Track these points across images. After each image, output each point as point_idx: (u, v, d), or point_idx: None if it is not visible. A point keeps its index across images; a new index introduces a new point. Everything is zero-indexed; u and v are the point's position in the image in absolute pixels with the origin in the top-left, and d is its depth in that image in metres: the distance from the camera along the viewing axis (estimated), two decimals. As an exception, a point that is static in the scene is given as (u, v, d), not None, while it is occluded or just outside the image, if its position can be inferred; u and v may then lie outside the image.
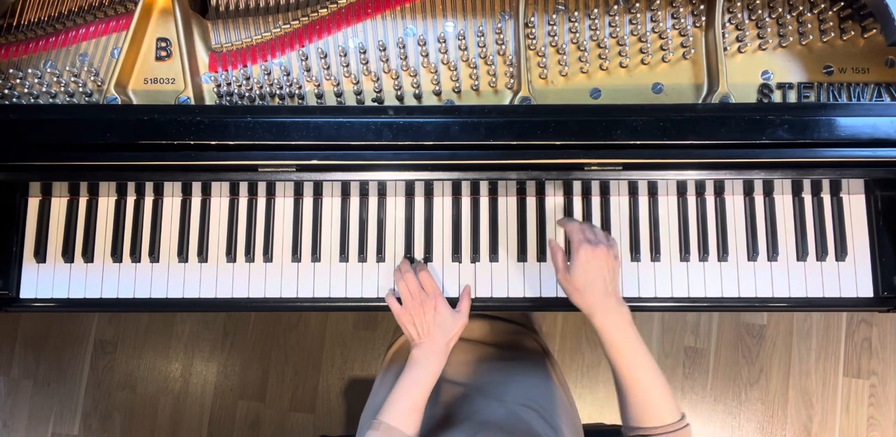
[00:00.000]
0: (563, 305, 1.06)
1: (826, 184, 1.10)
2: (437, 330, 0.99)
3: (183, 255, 1.12)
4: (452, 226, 1.12)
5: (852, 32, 1.07)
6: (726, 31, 1.07)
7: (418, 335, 0.99)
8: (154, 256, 1.12)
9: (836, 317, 2.00)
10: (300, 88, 1.09)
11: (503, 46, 1.08)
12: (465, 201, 1.13)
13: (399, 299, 1.04)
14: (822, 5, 1.07)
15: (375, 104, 1.09)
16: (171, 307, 1.13)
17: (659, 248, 1.11)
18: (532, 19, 1.07)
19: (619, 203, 1.12)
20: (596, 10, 1.08)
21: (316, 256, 1.12)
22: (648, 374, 0.88)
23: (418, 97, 1.09)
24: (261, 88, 1.08)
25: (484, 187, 1.11)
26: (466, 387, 1.13)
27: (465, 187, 1.11)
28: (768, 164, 1.00)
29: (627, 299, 1.10)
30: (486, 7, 1.10)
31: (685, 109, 0.97)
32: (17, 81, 1.06)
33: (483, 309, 1.13)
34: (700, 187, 1.11)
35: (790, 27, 1.08)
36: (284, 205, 1.14)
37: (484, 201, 1.13)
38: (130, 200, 1.14)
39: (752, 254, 1.10)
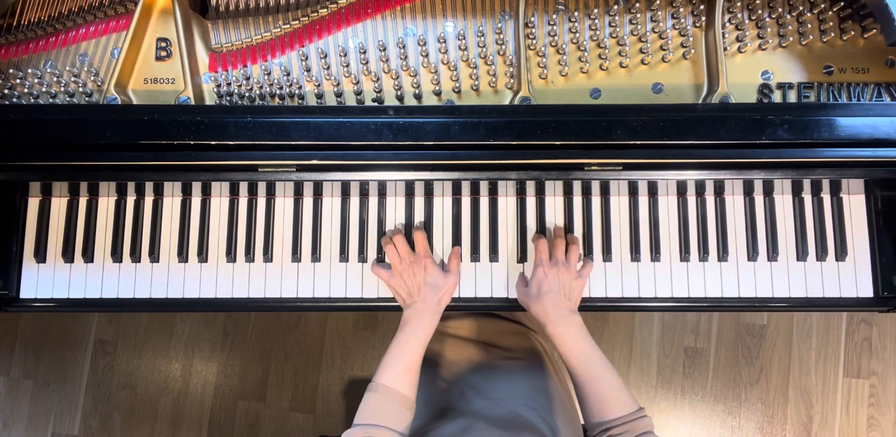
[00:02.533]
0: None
1: (826, 184, 1.10)
2: (428, 289, 1.01)
3: (183, 255, 1.12)
4: (452, 226, 1.12)
5: (852, 32, 1.07)
6: (726, 31, 1.07)
7: (409, 295, 1.01)
8: (154, 256, 1.12)
9: (836, 317, 2.00)
10: (300, 88, 1.09)
11: (503, 46, 1.08)
12: (465, 201, 1.13)
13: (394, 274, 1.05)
14: (822, 5, 1.07)
15: (375, 104, 1.09)
16: (171, 307, 1.13)
17: (659, 248, 1.11)
18: (532, 19, 1.07)
19: (619, 203, 1.12)
20: (596, 10, 1.08)
21: (316, 256, 1.12)
22: (601, 371, 0.93)
23: (418, 97, 1.09)
24: (261, 88, 1.08)
25: (484, 187, 1.11)
26: (465, 385, 1.13)
27: (465, 187, 1.11)
28: (768, 164, 1.00)
29: (627, 299, 1.10)
30: (486, 7, 1.10)
31: (685, 109, 0.97)
32: (17, 81, 1.06)
33: (483, 309, 1.13)
34: (700, 187, 1.11)
35: (790, 27, 1.08)
36: (284, 205, 1.14)
37: (484, 201, 1.13)
38: (130, 200, 1.14)
39: (752, 254, 1.10)
